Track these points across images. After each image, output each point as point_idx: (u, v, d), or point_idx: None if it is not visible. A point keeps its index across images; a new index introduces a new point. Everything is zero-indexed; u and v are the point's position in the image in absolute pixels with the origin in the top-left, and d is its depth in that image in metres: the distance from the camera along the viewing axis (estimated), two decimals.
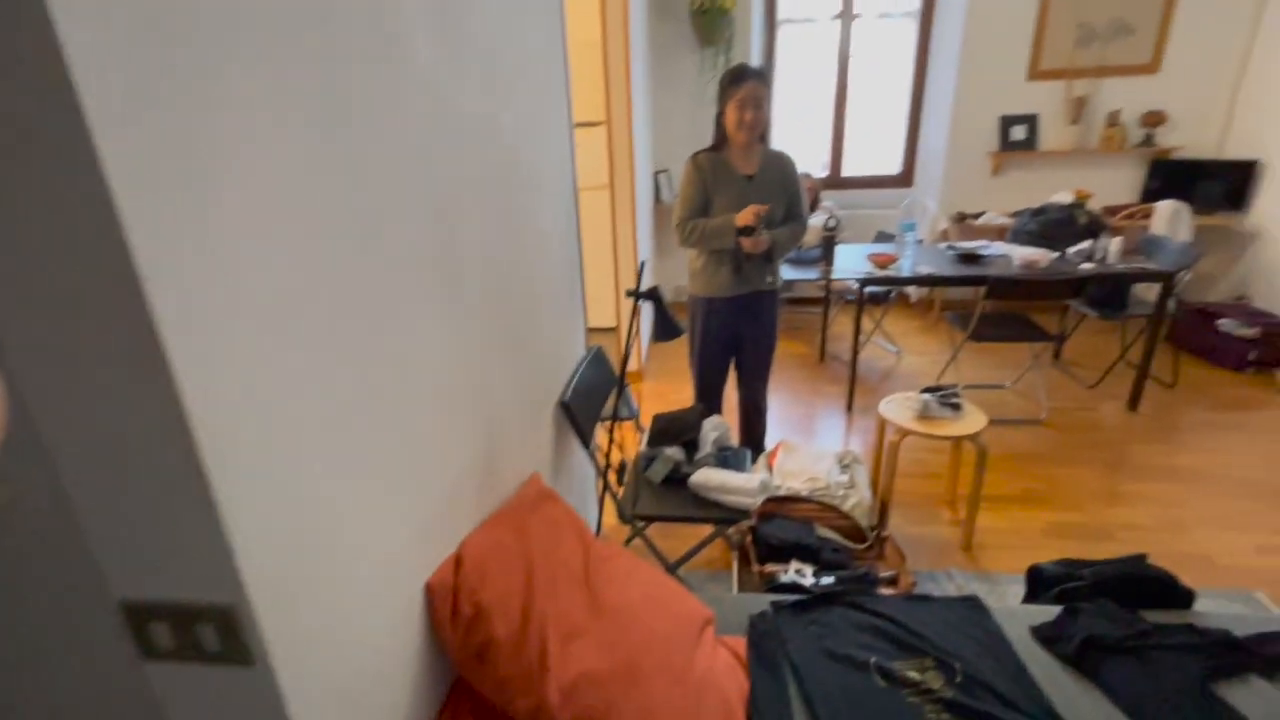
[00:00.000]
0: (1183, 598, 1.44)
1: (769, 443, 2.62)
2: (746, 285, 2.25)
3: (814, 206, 4.14)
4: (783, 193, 2.20)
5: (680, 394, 3.43)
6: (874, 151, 4.86)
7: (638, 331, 1.93)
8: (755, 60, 4.39)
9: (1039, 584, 1.62)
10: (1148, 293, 3.39)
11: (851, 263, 3.19)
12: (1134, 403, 3.15)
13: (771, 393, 3.54)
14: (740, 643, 1.32)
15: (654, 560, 1.88)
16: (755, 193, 2.12)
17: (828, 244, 3.03)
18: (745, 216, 2.04)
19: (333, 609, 0.72)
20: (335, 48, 0.71)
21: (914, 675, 1.22)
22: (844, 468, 2.28)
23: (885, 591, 1.84)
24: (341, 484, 0.73)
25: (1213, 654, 1.26)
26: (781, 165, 2.21)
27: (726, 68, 4.14)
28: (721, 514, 1.73)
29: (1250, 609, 1.89)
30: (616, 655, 0.98)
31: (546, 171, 1.58)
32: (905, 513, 2.46)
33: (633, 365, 3.67)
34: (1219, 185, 4.03)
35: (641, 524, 1.82)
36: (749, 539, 2.02)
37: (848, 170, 4.86)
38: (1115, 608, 1.37)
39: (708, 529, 1.90)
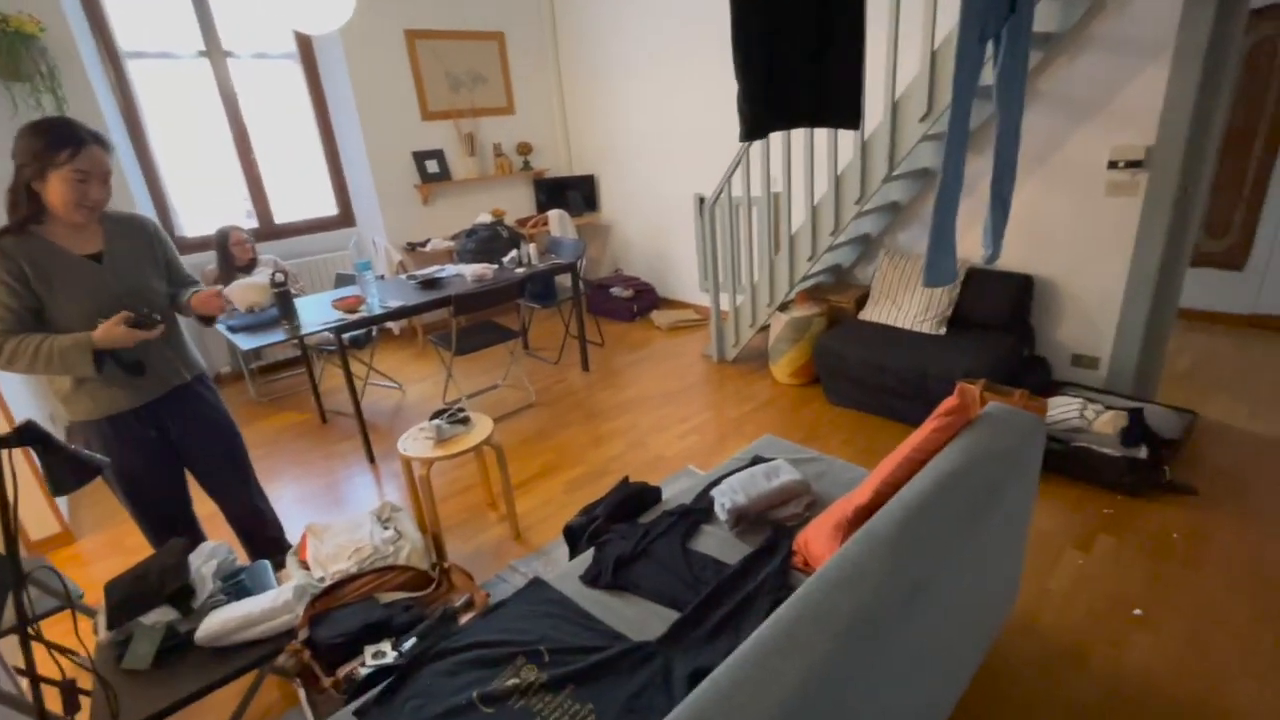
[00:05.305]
0: (656, 496, 1.94)
1: (295, 536, 2.25)
2: (157, 386, 1.78)
3: (253, 263, 3.67)
4: (154, 264, 1.76)
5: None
6: (307, 194, 4.62)
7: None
8: (105, 101, 3.52)
9: (574, 538, 1.91)
10: (565, 281, 4.35)
11: (318, 313, 2.99)
12: (585, 365, 4.04)
13: (281, 475, 3.07)
14: None
15: None
16: (112, 276, 1.64)
17: (283, 299, 2.74)
18: (111, 332, 1.56)
19: None
20: None
21: (513, 682, 1.27)
22: (385, 522, 2.16)
23: (465, 618, 1.86)
24: None
25: (681, 524, 1.74)
26: (141, 231, 1.75)
27: (57, 109, 3.23)
28: (259, 654, 1.40)
29: (691, 480, 2.71)
30: None
31: None
32: (460, 532, 2.53)
33: (51, 528, 2.57)
34: (579, 194, 5.45)
35: None
36: (306, 655, 1.71)
37: (282, 217, 4.48)
38: (625, 527, 1.75)
39: (248, 681, 1.51)
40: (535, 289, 4.19)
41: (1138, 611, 1.86)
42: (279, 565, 2.03)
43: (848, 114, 1.14)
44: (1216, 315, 3.89)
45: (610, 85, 4.98)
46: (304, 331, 2.77)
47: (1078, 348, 3.04)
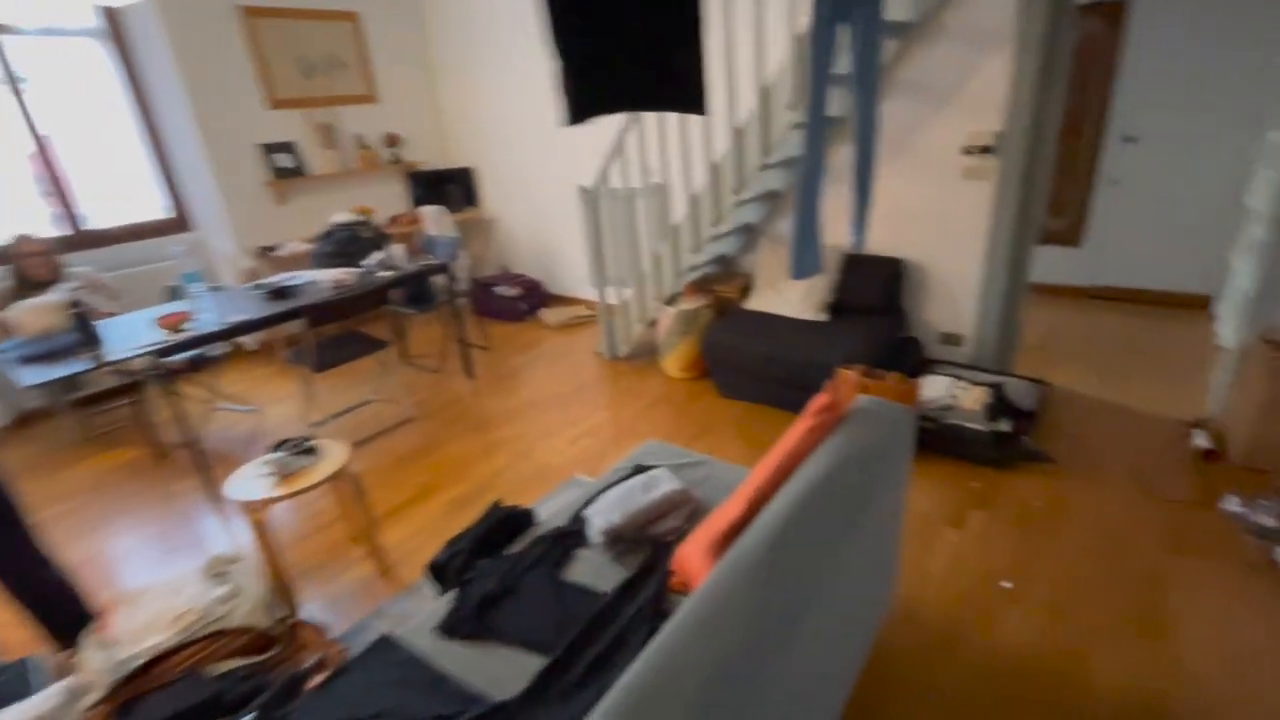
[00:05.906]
0: (527, 520, 1.78)
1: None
2: None
3: (56, 278, 3.11)
4: None
5: None
6: (131, 195, 4.00)
7: None
8: None
9: (443, 575, 1.71)
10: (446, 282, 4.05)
11: (137, 334, 2.56)
12: (469, 371, 3.79)
13: (105, 527, 2.62)
14: None
15: None
16: None
17: (82, 323, 2.31)
18: None
19: None
20: None
21: None
22: (218, 577, 1.86)
23: (316, 680, 1.62)
24: None
25: (554, 552, 1.59)
26: None
27: None
28: None
29: (579, 490, 2.56)
30: None
31: None
32: (319, 575, 2.25)
33: None
34: (458, 188, 5.11)
35: None
36: None
37: (99, 222, 3.85)
38: (490, 563, 1.57)
39: None
40: (408, 293, 3.87)
41: (1007, 584, 1.93)
42: (73, 650, 1.69)
43: (691, 98, 1.05)
44: (1061, 289, 4.24)
45: (485, 71, 4.68)
46: (113, 357, 2.35)
47: (944, 326, 3.18)
